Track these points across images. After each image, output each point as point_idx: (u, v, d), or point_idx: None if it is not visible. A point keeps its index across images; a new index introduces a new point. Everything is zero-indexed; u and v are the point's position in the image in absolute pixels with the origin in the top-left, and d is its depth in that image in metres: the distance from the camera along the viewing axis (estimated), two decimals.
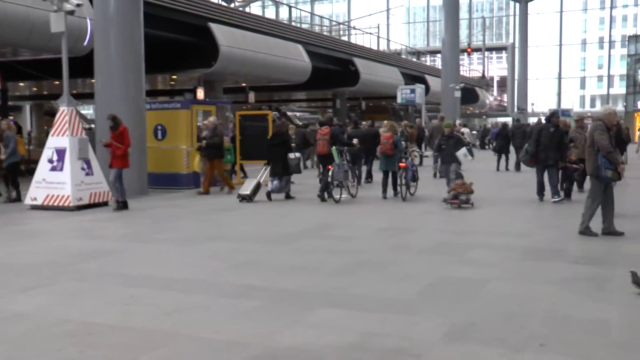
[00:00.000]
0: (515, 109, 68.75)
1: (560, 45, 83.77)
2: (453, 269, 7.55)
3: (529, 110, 75.22)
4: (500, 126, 25.44)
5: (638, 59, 58.15)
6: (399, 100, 37.20)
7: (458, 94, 39.07)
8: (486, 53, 77.95)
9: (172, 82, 33.80)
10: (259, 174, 15.36)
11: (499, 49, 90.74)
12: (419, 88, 36.64)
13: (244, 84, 33.44)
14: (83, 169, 13.59)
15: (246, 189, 14.70)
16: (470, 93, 58.86)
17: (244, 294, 6.48)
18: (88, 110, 55.78)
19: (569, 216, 11.80)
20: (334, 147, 14.54)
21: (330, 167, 14.22)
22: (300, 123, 42.80)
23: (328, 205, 13.75)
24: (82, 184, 13.45)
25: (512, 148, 22.80)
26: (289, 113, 55.07)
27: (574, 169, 14.34)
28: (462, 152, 14.46)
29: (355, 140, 15.65)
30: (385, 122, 16.04)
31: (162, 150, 17.70)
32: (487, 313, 5.70)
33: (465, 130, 31.22)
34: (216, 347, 4.90)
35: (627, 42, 67.57)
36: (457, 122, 28.65)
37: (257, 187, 14.83)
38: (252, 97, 33.71)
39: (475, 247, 8.86)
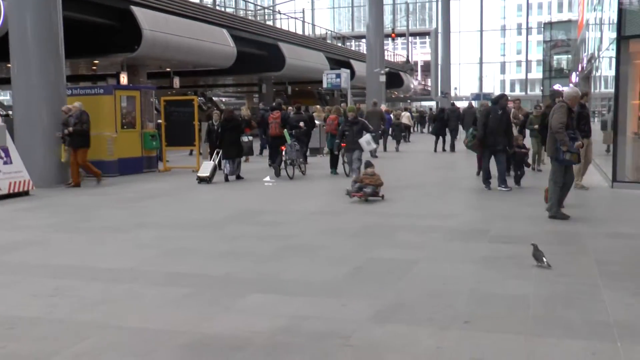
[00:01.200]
0: (439, 93, 70.03)
1: (481, 31, 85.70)
2: (380, 251, 7.67)
3: (452, 94, 76.73)
4: (438, 109, 28.09)
5: (553, 45, 60.05)
6: (324, 85, 37.22)
7: (383, 78, 39.44)
8: (410, 38, 78.94)
9: (94, 67, 32.85)
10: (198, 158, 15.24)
11: (422, 34, 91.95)
12: (345, 73, 36.77)
13: (168, 69, 32.85)
14: (1, 157, 13.10)
15: (205, 171, 15.24)
16: (395, 77, 59.61)
17: (173, 281, 6.41)
18: (4, 97, 53.64)
19: (491, 198, 12.18)
20: (285, 130, 16.48)
21: (283, 147, 16.04)
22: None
23: (263, 188, 13.89)
24: (0, 173, 12.97)
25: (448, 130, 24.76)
26: (214, 98, 54.45)
27: (524, 154, 13.85)
28: (364, 139, 13.51)
29: (301, 123, 17.18)
30: (316, 106, 17.63)
31: None
32: (415, 293, 5.83)
33: (405, 114, 31.78)
34: (145, 336, 4.84)
35: (542, 29, 69.73)
36: (383, 106, 28.94)
37: (215, 169, 15.45)
38: (177, 82, 33.15)
39: (402, 229, 9.02)
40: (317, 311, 5.36)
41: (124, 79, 27.86)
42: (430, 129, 31.21)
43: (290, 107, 22.02)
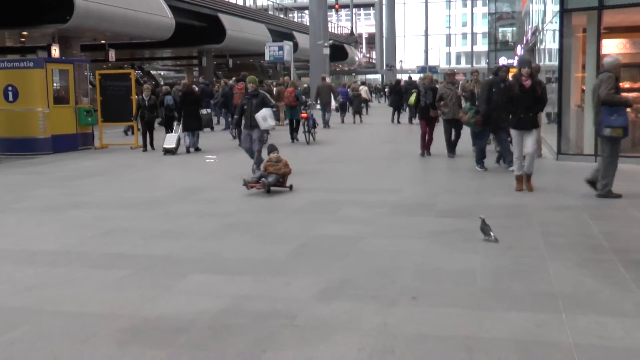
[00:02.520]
0: (384, 66, 70.33)
1: (426, 2, 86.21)
2: (325, 227, 7.69)
3: (398, 67, 77.16)
4: (394, 82, 29.51)
5: (498, 17, 60.85)
6: (267, 58, 37.05)
7: (327, 51, 39.39)
8: (354, 10, 78.91)
9: (23, 39, 31.82)
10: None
11: (366, 6, 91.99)
12: (287, 45, 36.62)
13: (103, 41, 32.06)
14: None
15: (170, 142, 15.99)
16: (339, 50, 59.55)
17: (112, 263, 6.30)
18: None
19: (438, 171, 12.35)
20: None
21: None
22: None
23: (206, 164, 13.70)
24: None
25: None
26: (152, 72, 53.47)
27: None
28: (261, 115, 11.50)
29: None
30: (287, 78, 20.44)
31: (15, 113, 16.76)
32: (361, 270, 5.87)
33: (363, 88, 32.07)
34: (83, 321, 4.74)
35: (487, 1, 70.55)
36: (326, 77, 28.95)
37: (179, 140, 16.24)
38: (112, 55, 32.39)
39: (347, 204, 9.06)
40: (261, 290, 5.35)
41: (55, 51, 27.08)
42: (388, 101, 32.24)
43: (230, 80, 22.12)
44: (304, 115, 18.29)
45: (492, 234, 6.76)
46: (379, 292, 5.23)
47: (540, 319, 4.56)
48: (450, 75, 14.62)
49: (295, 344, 4.27)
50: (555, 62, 14.29)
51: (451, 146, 14.13)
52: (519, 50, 38.78)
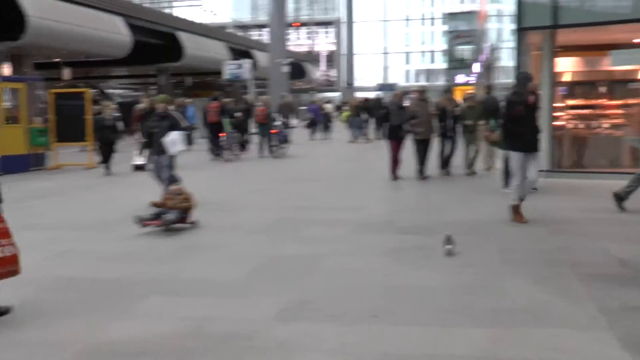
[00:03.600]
0: (344, 84, 70.78)
1: (385, 20, 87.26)
2: (285, 246, 7.69)
3: (357, 84, 77.73)
4: (363, 99, 30.16)
5: (456, 35, 61.89)
6: (225, 76, 36.99)
7: (285, 69, 39.54)
8: (313, 27, 79.43)
9: None
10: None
11: (326, 24, 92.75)
12: (246, 63, 36.62)
13: (57, 59, 31.69)
14: None
15: (139, 159, 16.24)
16: (298, 68, 59.75)
17: (64, 286, 6.21)
18: None
19: (398, 189, 12.46)
20: (225, 119, 19.21)
21: (222, 134, 19.15)
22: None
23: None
24: None
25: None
26: (109, 90, 52.96)
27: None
28: (170, 139, 10.19)
29: (239, 114, 20.31)
30: (262, 97, 22.98)
31: None
32: (321, 289, 5.88)
33: (328, 106, 32.78)
34: (32, 348, 4.66)
35: (447, 20, 71.79)
36: (287, 95, 29.07)
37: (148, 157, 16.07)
38: (67, 73, 32.04)
39: (309, 223, 9.07)
40: (220, 312, 5.32)
41: (6, 69, 26.68)
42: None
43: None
44: (274, 131, 19.92)
45: (449, 247, 6.95)
46: (340, 311, 5.25)
47: (498, 335, 4.63)
48: (421, 92, 14.24)
49: None
50: (511, 80, 14.56)
51: (422, 168, 13.54)
52: (476, 67, 39.46)
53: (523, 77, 9.03)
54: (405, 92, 16.11)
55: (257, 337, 4.73)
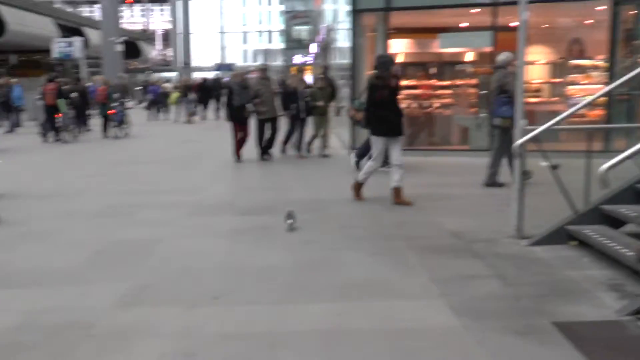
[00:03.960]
0: (180, 63, 69.41)
1: None
2: (122, 231, 7.48)
3: (194, 64, 76.51)
4: (201, 80, 30.22)
5: (293, 15, 62.51)
6: (55, 55, 35.10)
7: (119, 47, 38.17)
8: (148, 5, 77.08)
9: None
10: None
11: (161, 1, 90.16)
12: (77, 41, 34.92)
13: None
14: None
15: None
16: (132, 47, 57.76)
17: None
18: None
19: (239, 170, 12.45)
20: (60, 99, 18.57)
21: (57, 115, 18.50)
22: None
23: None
24: None
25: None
26: None
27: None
28: None
29: (75, 94, 20.06)
30: (99, 77, 22.64)
31: None
32: (161, 273, 5.79)
33: (167, 85, 32.14)
34: None
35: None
36: (122, 75, 28.15)
37: None
38: None
39: (146, 207, 8.87)
40: (56, 302, 5.09)
41: None
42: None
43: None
44: (112, 111, 19.73)
45: (290, 222, 7.20)
46: (181, 294, 5.19)
47: (340, 308, 4.78)
48: (263, 70, 13.94)
49: (92, 355, 4.13)
50: (347, 61, 14.95)
51: (267, 147, 13.49)
52: (313, 48, 40.10)
53: (386, 61, 8.70)
54: (246, 72, 15.63)
55: (95, 325, 4.57)
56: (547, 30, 14.33)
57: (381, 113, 8.54)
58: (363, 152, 11.52)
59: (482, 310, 4.68)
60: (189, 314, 4.76)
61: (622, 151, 4.89)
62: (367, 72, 14.08)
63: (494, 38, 13.14)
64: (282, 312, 4.76)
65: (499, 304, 4.80)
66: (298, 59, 58.20)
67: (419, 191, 9.47)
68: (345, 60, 17.79)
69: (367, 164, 8.93)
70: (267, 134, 13.53)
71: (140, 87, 42.58)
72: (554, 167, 6.35)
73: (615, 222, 6.10)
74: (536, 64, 14.56)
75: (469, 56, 14.71)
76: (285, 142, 14.23)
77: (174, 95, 27.25)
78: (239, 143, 13.46)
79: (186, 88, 26.91)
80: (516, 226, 6.65)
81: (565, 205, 6.37)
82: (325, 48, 28.53)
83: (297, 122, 13.85)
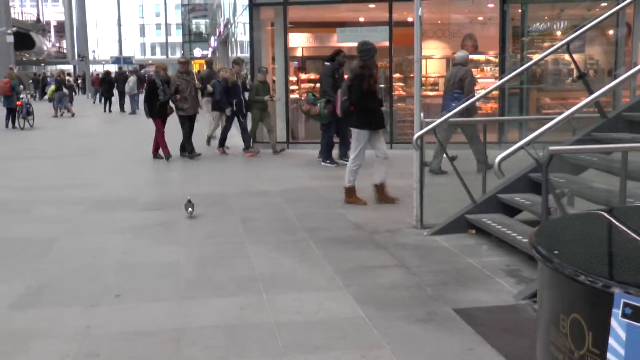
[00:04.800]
0: (76, 56, 67.07)
1: None
2: (16, 229, 7.14)
3: (91, 57, 74.11)
4: (104, 73, 30.61)
5: (191, 8, 61.56)
6: None
7: (10, 39, 36.49)
8: None
9: None
10: None
11: None
12: None
13: None
14: None
15: None
16: (25, 38, 55.32)
17: None
18: None
19: (141, 164, 12.14)
20: None
21: (18, 103, 19.19)
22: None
23: None
24: None
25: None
26: None
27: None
28: None
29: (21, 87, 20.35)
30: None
31: None
32: (59, 272, 5.55)
33: (69, 79, 31.30)
34: None
35: None
36: (14, 68, 26.88)
37: None
38: None
39: (42, 202, 8.49)
40: None
41: None
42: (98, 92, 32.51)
43: None
44: (19, 103, 19.81)
45: (190, 210, 7.24)
46: (81, 293, 4.98)
47: (243, 302, 4.71)
48: (184, 64, 13.23)
49: None
50: (247, 54, 14.82)
51: (191, 144, 12.57)
52: (213, 42, 39.64)
53: (370, 48, 8.01)
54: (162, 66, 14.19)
55: None
56: (442, 26, 14.69)
57: (368, 105, 7.82)
58: (326, 149, 11.42)
59: (386, 300, 4.72)
60: (90, 313, 4.57)
61: (515, 142, 5.04)
62: (269, 65, 13.98)
63: (391, 33, 13.33)
64: (186, 308, 4.64)
65: (402, 293, 4.86)
66: (198, 52, 57.37)
67: (322, 183, 9.52)
68: (245, 54, 17.59)
69: (351, 164, 8.10)
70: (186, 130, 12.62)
71: (32, 80, 40.90)
72: (452, 158, 6.50)
73: (512, 210, 6.31)
74: (433, 59, 14.91)
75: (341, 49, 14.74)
76: (224, 139, 13.25)
77: (50, 89, 26.72)
78: (161, 140, 12.49)
79: (61, 81, 26.08)
80: (417, 216, 6.77)
81: (465, 195, 6.53)
82: (225, 42, 28.24)
83: (234, 118, 12.96)
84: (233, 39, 25.34)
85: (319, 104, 11.07)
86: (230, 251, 6.08)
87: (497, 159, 4.93)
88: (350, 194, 8.07)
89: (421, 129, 6.68)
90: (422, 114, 6.82)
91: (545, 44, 13.04)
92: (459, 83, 9.96)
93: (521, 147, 4.87)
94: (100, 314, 4.57)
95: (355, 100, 7.96)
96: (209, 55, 43.24)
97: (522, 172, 6.30)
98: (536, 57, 8.18)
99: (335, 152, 11.55)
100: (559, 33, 13.43)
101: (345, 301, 4.71)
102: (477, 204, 6.46)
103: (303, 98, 12.35)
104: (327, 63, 11.47)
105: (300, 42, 15.59)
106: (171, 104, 12.42)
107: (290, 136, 13.96)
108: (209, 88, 13.70)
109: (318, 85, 12.19)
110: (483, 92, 8.00)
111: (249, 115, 13.07)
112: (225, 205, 8.23)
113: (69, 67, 65.22)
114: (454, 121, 7.86)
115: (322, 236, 6.54)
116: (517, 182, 6.33)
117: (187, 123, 12.49)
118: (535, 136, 4.90)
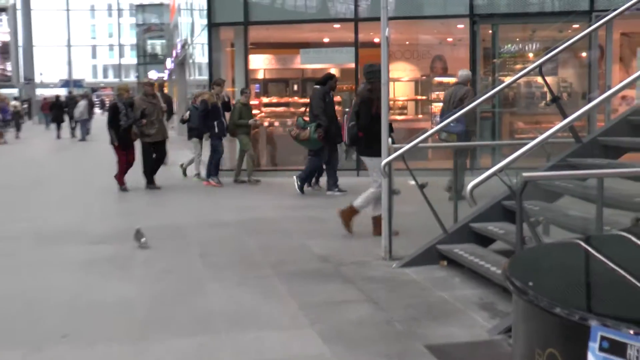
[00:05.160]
0: (22, 79, 66.37)
1: (68, 10, 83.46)
2: None
3: (38, 80, 73.42)
4: (55, 97, 30.63)
5: (146, 29, 61.41)
6: None
7: None
8: None
9: None
10: None
11: None
12: None
13: None
14: None
15: None
16: None
17: None
18: None
19: (94, 196, 11.98)
20: None
21: None
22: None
23: None
24: None
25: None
26: None
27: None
28: None
29: None
30: None
31: None
32: (1, 313, 5.41)
33: (16, 103, 31.48)
34: None
35: (135, 12, 70.91)
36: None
37: None
38: None
39: None
40: None
41: None
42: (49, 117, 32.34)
43: None
44: None
45: (143, 240, 7.20)
46: (25, 335, 4.87)
47: (202, 341, 4.65)
48: (150, 86, 12.94)
49: None
50: (205, 77, 14.82)
51: (153, 173, 12.27)
52: (169, 63, 39.55)
53: (377, 70, 7.36)
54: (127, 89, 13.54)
55: None
56: (410, 47, 14.88)
57: (377, 130, 7.19)
58: (307, 175, 11.44)
59: (353, 337, 4.70)
60: (35, 356, 4.47)
61: (488, 168, 5.08)
62: (227, 88, 13.91)
63: (357, 54, 13.44)
64: (140, 350, 4.56)
65: (371, 329, 4.85)
66: (153, 74, 57.12)
67: (283, 213, 9.49)
68: (203, 77, 17.57)
69: (371, 191, 7.84)
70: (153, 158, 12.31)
71: None
72: (422, 186, 6.53)
73: (485, 240, 6.35)
74: (401, 81, 15.06)
75: (333, 73, 14.81)
76: (217, 165, 12.81)
77: None
78: (124, 169, 12.06)
79: None
80: (386, 247, 6.77)
81: (436, 224, 6.56)
82: (182, 63, 28.21)
83: (221, 140, 12.68)
84: (191, 61, 25.33)
85: (308, 128, 11.04)
86: (188, 287, 6.00)
87: (469, 186, 4.96)
88: (378, 223, 7.42)
89: (389, 155, 6.71)
90: (389, 140, 6.85)
91: (518, 66, 13.23)
92: (459, 102, 9.97)
93: (494, 174, 4.91)
94: (45, 357, 4.47)
95: (364, 126, 7.90)
96: (165, 78, 43.11)
97: (495, 200, 6.36)
98: (508, 80, 8.30)
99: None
100: (531, 55, 13.67)
101: (311, 339, 4.67)
102: (449, 233, 6.49)
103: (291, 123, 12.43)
104: (317, 86, 11.44)
105: (262, 63, 15.65)
106: (135, 129, 12.01)
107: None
108: (186, 115, 13.63)
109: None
110: (453, 116, 8.06)
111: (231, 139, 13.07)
112: (183, 238, 8.15)
113: (14, 91, 64.49)
114: (423, 146, 7.93)
115: (286, 270, 6.49)
116: (490, 210, 6.38)
117: (151, 151, 12.17)
118: (509, 162, 4.94)
